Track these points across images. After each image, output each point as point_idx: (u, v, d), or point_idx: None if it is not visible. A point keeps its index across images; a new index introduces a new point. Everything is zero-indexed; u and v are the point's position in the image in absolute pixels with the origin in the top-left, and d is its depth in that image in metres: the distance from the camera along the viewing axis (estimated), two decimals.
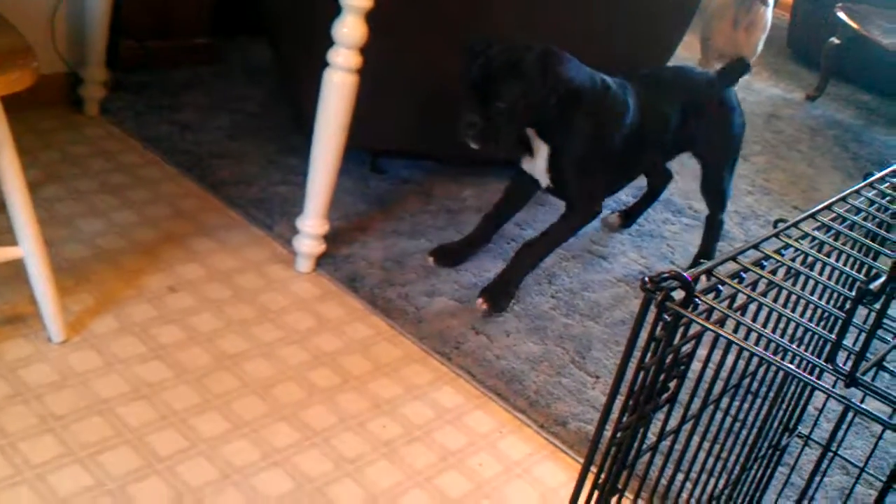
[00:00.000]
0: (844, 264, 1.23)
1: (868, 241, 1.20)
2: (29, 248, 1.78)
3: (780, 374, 1.40)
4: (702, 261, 1.05)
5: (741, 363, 1.22)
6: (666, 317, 0.93)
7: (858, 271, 1.32)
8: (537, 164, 2.27)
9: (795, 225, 1.15)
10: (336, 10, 1.98)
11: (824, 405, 1.77)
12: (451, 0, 2.47)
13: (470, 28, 2.50)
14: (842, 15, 4.22)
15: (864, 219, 1.25)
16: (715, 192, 2.58)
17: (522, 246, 2.29)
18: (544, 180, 2.29)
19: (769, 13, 3.32)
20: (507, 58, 2.07)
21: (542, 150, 2.24)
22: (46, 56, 2.64)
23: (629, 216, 2.81)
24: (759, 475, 1.57)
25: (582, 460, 1.89)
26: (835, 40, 4.25)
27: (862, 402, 0.95)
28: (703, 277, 0.99)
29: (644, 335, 0.97)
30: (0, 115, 1.66)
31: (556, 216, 2.32)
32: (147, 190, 2.47)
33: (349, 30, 1.99)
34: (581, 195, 2.29)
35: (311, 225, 2.21)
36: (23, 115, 2.56)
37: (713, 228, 2.63)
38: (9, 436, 1.64)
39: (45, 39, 2.65)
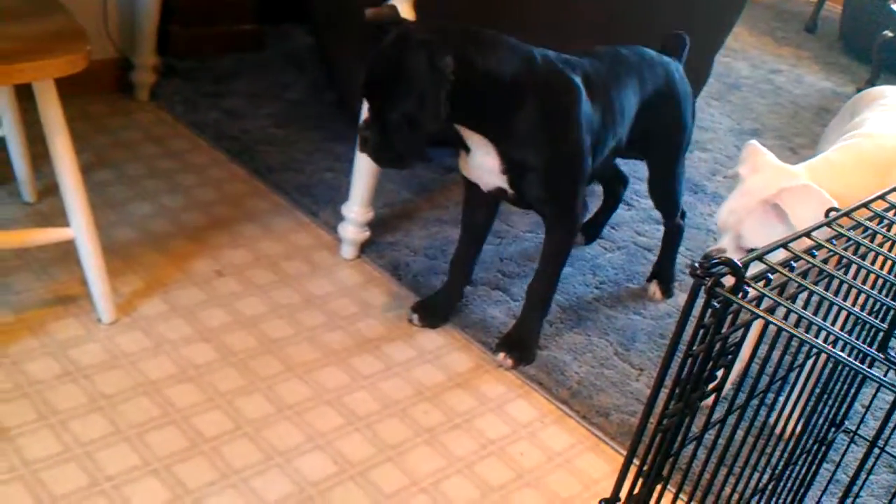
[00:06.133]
0: None
1: None
2: (80, 229, 1.80)
3: (828, 367, 1.38)
4: (752, 249, 1.04)
5: (787, 356, 1.20)
6: (715, 303, 0.92)
7: None
8: (483, 163, 1.85)
9: (847, 214, 1.13)
10: None
11: (871, 401, 1.75)
12: None
13: (515, 15, 2.49)
14: (895, 7, 4.14)
15: None
16: (663, 194, 2.25)
17: (528, 290, 2.04)
18: (496, 181, 1.87)
19: None
20: (389, 56, 1.65)
21: (482, 147, 1.82)
22: (98, 41, 2.68)
23: (592, 229, 2.54)
24: (803, 471, 1.55)
25: (624, 452, 1.88)
26: (888, 33, 4.17)
27: None
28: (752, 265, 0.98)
29: (692, 322, 0.96)
30: (54, 99, 1.69)
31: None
32: (195, 175, 2.50)
33: None
34: (557, 201, 1.90)
35: (356, 212, 2.22)
36: (75, 99, 2.60)
37: (671, 245, 2.37)
38: (59, 413, 1.67)
39: (97, 25, 2.68)
